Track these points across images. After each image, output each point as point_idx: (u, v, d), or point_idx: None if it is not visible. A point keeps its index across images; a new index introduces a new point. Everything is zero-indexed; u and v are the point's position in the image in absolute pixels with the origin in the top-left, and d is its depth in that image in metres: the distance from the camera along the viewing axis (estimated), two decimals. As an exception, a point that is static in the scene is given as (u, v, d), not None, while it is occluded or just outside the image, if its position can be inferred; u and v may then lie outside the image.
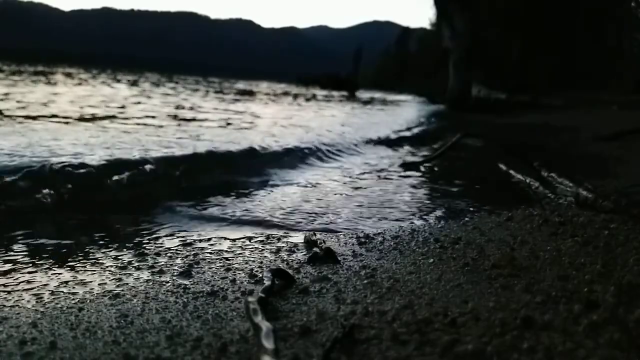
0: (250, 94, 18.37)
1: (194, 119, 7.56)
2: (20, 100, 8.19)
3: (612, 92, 15.28)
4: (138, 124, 6.26)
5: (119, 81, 19.14)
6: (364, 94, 28.73)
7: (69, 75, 20.22)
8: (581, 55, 14.39)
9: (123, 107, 8.62)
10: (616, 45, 13.70)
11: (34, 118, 5.92)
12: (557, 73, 14.62)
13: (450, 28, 16.50)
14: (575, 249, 1.89)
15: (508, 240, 2.06)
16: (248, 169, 3.82)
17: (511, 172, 3.89)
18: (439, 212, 2.83)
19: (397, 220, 2.63)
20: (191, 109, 9.62)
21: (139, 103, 9.83)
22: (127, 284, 1.61)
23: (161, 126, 6.14)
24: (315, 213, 2.69)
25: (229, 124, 7.29)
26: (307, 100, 17.08)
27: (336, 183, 3.64)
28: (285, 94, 20.44)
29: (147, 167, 3.18)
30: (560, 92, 15.79)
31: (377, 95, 29.10)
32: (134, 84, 18.15)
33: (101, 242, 2.06)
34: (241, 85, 26.91)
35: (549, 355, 1.08)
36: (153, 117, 7.32)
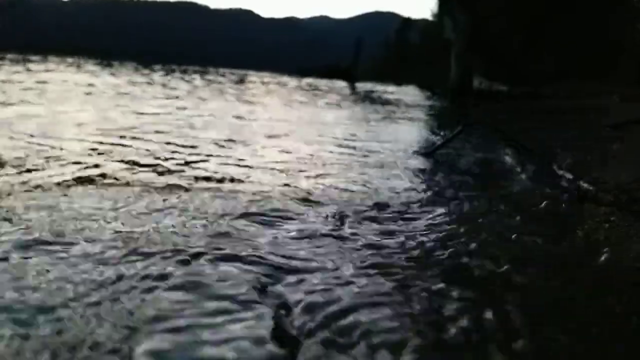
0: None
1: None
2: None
3: (614, 84, 15.22)
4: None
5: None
6: (364, 86, 28.61)
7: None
8: (583, 47, 14.33)
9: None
10: (618, 37, 13.63)
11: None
12: (559, 64, 14.56)
13: (451, 19, 16.42)
14: (576, 241, 1.91)
15: (506, 233, 2.07)
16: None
17: (512, 163, 3.90)
18: (436, 205, 2.84)
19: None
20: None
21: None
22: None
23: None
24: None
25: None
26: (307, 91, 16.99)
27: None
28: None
29: None
30: (561, 83, 15.74)
31: (379, 87, 28.98)
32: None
33: None
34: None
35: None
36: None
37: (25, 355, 1.05)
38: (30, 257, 1.56)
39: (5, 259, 1.54)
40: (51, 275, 1.44)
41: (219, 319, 1.23)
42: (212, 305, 1.31)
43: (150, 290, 1.38)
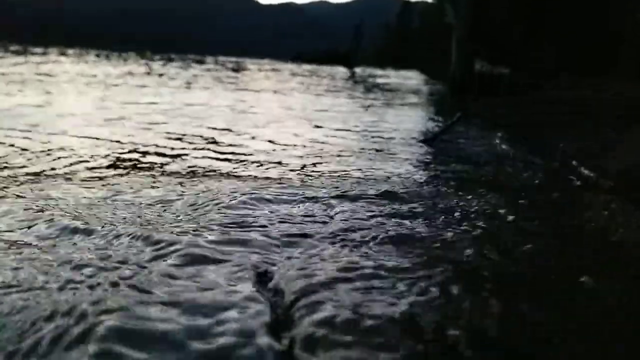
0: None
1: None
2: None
3: (614, 79, 15.03)
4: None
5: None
6: (364, 71, 28.43)
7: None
8: (583, 38, 14.17)
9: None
10: (618, 27, 13.45)
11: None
12: (559, 58, 14.42)
13: (452, 5, 16.20)
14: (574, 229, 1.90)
15: (504, 220, 2.06)
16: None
17: (512, 151, 3.88)
18: (434, 193, 2.83)
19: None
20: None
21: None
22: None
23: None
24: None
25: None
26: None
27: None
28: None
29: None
30: (562, 75, 15.58)
31: (379, 72, 28.80)
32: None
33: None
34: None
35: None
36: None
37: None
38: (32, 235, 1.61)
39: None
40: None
41: (218, 290, 1.26)
42: (212, 278, 1.33)
43: (152, 260, 1.43)
